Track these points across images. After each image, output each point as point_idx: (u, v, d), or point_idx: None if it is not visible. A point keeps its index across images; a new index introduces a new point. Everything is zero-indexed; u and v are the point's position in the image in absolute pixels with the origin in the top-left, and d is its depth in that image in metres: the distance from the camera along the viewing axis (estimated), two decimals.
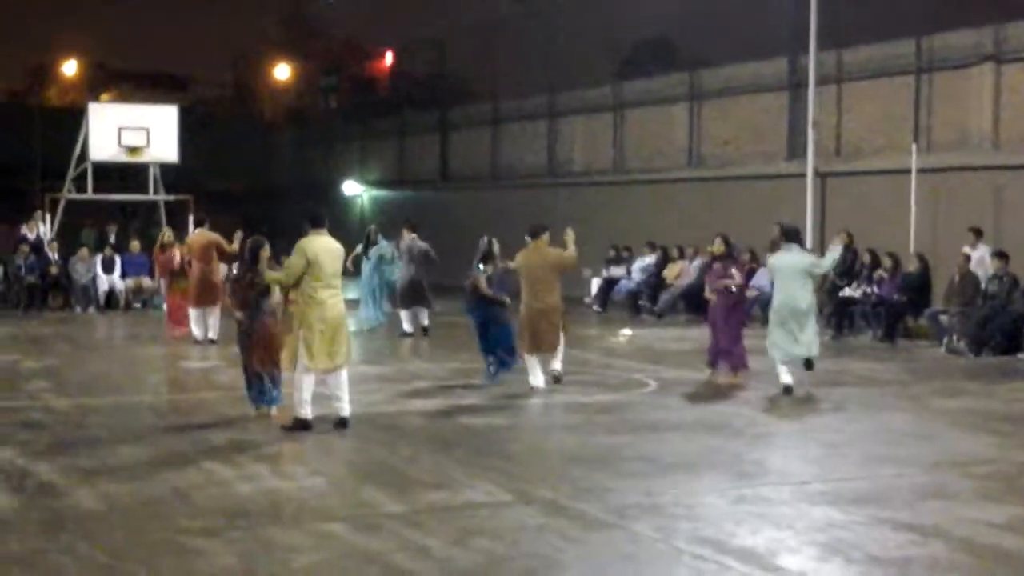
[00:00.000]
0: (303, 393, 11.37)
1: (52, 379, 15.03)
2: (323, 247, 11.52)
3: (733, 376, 14.70)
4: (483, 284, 14.67)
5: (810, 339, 13.94)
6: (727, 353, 14.75)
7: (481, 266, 14.70)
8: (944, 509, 8.48)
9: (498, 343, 14.72)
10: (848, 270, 21.04)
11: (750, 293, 18.99)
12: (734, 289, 14.86)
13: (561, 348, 14.49)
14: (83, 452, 10.40)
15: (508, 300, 14.80)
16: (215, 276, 19.02)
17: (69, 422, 12.02)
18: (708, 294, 15.09)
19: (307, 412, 11.36)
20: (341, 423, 11.45)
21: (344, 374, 11.55)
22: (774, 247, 20.70)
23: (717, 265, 15.13)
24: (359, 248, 21.10)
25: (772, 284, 14.59)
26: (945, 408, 13.21)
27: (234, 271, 12.58)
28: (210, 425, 11.75)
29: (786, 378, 13.85)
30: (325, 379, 11.53)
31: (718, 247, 15.09)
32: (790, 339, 13.86)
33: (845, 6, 24.17)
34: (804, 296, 13.92)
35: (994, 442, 11.19)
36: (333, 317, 11.41)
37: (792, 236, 14.49)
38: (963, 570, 7.11)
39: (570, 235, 14.38)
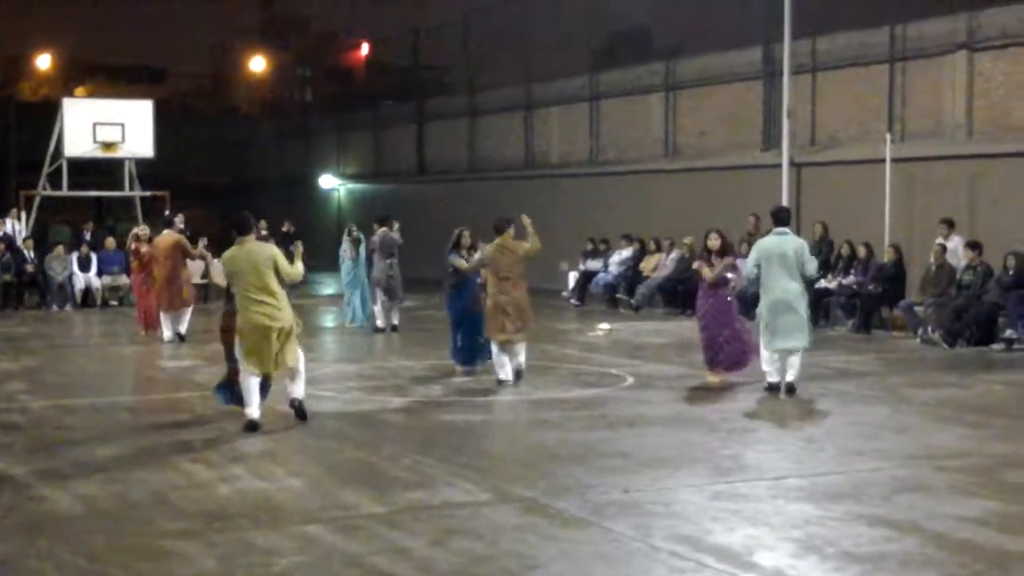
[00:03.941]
0: (249, 395, 11.33)
1: (29, 380, 15.00)
2: (244, 258, 11.25)
3: (724, 375, 14.34)
4: (461, 263, 14.88)
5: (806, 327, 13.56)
6: (731, 350, 14.19)
7: (453, 255, 14.94)
8: (919, 504, 8.55)
9: (478, 329, 14.85)
10: (824, 262, 21.15)
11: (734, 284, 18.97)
12: (733, 285, 14.76)
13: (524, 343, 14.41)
14: (61, 454, 10.41)
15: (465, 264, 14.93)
16: (182, 278, 19.07)
17: (47, 424, 12.00)
18: (709, 277, 14.19)
19: (254, 413, 11.31)
20: (293, 403, 11.50)
21: (299, 375, 11.56)
22: (751, 238, 20.90)
23: (718, 261, 14.28)
24: (345, 247, 20.82)
25: (757, 272, 13.53)
26: (920, 400, 13.30)
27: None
28: (187, 425, 11.77)
29: (775, 376, 13.53)
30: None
31: (713, 242, 14.41)
32: (787, 330, 13.30)
33: None
34: (798, 283, 13.48)
35: (969, 434, 11.29)
36: (258, 326, 11.18)
37: (785, 219, 13.89)
38: (936, 565, 7.16)
39: (526, 220, 14.42)
